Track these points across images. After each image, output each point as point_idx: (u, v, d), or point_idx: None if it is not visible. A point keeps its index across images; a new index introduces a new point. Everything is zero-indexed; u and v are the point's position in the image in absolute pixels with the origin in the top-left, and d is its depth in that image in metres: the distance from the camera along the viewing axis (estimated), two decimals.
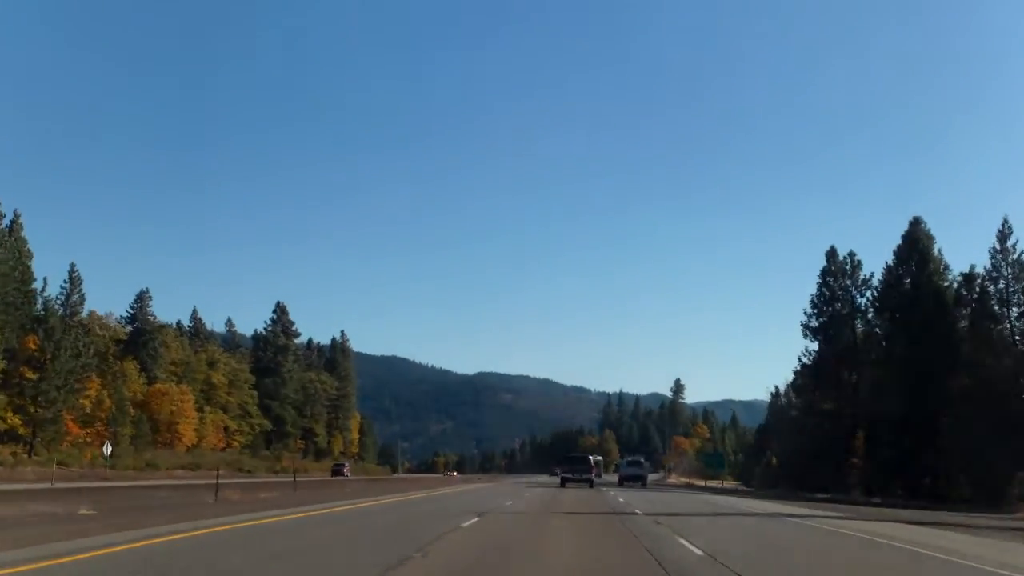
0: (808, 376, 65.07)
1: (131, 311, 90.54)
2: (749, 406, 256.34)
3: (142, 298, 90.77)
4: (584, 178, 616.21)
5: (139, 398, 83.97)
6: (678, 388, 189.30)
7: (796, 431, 71.11)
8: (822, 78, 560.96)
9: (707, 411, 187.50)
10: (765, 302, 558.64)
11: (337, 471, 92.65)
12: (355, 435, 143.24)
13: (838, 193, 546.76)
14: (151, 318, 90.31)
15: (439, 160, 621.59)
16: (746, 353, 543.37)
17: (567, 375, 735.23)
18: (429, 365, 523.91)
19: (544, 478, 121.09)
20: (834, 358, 62.02)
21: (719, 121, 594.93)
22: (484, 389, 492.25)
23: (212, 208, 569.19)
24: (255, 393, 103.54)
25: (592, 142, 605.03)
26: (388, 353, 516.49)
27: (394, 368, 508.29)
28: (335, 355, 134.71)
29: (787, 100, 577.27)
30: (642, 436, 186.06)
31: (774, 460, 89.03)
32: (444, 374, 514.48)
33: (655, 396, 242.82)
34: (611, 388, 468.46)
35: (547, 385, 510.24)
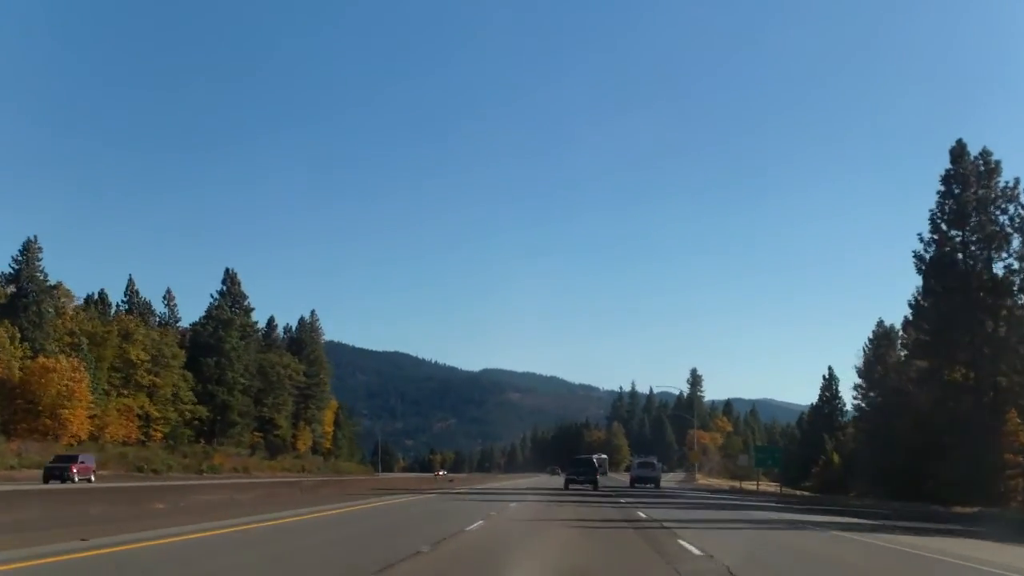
0: (922, 331, 42.90)
1: (14, 268, 69.25)
2: (756, 404, 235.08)
3: (29, 250, 69.37)
4: (591, 173, 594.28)
5: (16, 375, 63.03)
6: (695, 380, 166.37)
7: (889, 415, 49.25)
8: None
9: (728, 403, 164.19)
10: (770, 300, 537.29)
11: (55, 472, 44.06)
12: (329, 428, 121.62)
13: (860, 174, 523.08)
14: (39, 276, 68.97)
15: (443, 155, 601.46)
16: (753, 351, 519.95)
17: (575, 372, 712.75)
18: (434, 362, 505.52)
19: (542, 478, 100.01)
20: (966, 304, 39.91)
21: (721, 112, 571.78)
22: (490, 386, 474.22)
23: (213, 207, 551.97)
24: (188, 374, 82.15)
25: (597, 137, 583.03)
26: (392, 349, 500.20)
27: (399, 364, 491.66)
28: (302, 336, 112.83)
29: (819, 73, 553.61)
30: (655, 431, 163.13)
31: (836, 458, 67.13)
32: (450, 371, 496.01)
33: (665, 394, 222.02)
34: (619, 386, 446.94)
35: (554, 382, 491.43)
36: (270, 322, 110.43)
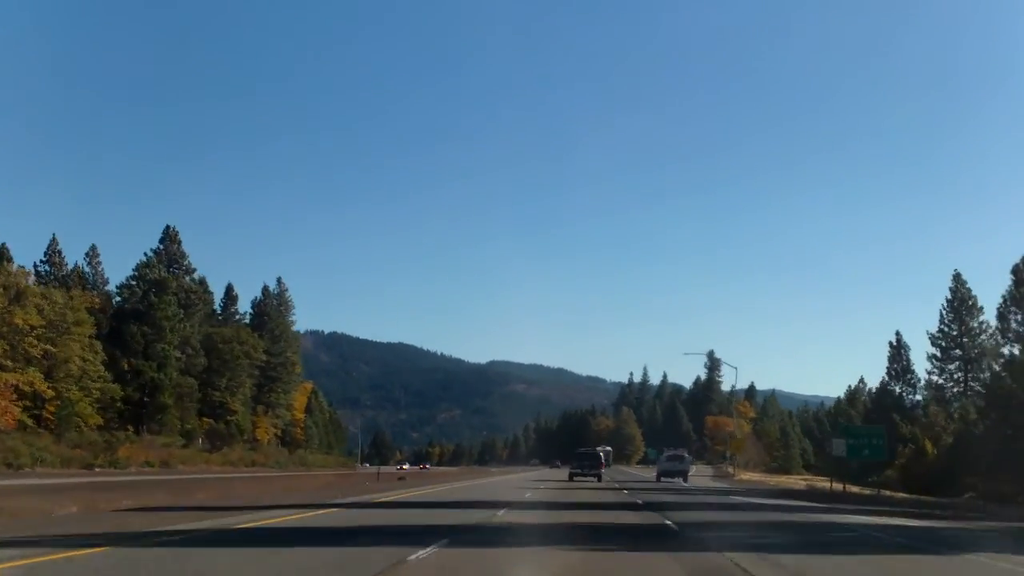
0: None
1: None
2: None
3: None
4: (597, 168, 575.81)
5: None
6: (713, 364, 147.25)
7: None
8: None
9: (752, 387, 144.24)
10: (775, 293, 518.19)
11: None
12: (299, 415, 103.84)
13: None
14: None
15: (448, 151, 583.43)
16: (757, 343, 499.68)
17: (581, 364, 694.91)
18: (439, 353, 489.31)
19: (543, 472, 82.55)
20: None
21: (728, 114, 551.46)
22: (496, 378, 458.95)
23: (217, 204, 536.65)
24: (97, 344, 64.43)
25: (603, 134, 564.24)
26: (397, 341, 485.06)
27: (403, 356, 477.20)
28: (266, 308, 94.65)
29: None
30: (668, 419, 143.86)
31: (931, 450, 48.49)
32: (455, 362, 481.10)
33: (674, 385, 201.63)
34: (629, 372, 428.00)
35: (561, 374, 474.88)
36: (228, 292, 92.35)
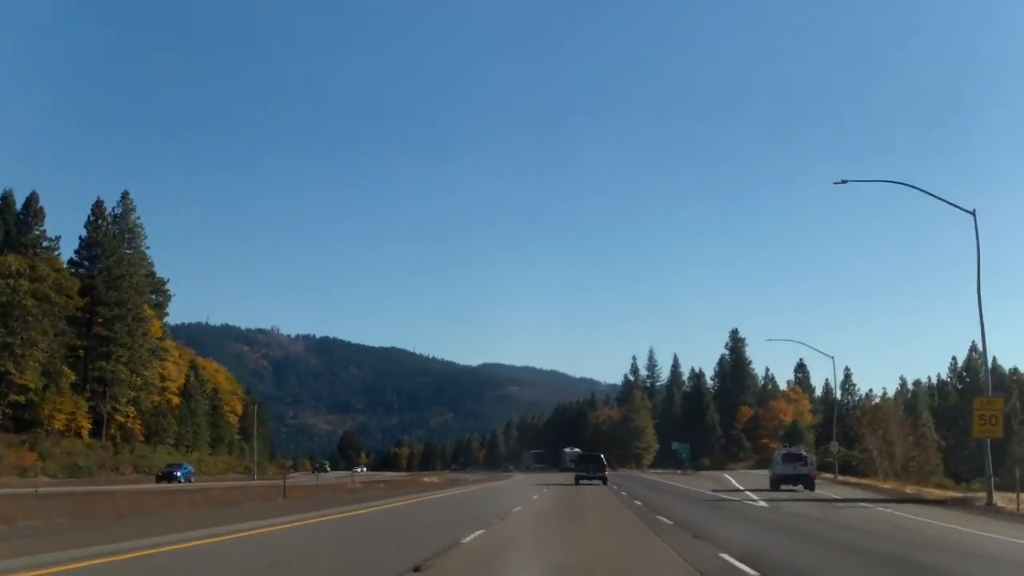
0: None
1: None
2: None
3: None
4: (593, 171, 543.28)
5: None
6: (736, 343, 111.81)
7: None
8: None
9: (802, 365, 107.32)
10: (782, 288, 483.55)
11: None
12: (173, 399, 68.31)
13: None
14: None
15: (439, 150, 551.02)
16: (760, 340, 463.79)
17: (575, 366, 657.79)
18: (431, 356, 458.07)
19: (515, 481, 49.45)
20: None
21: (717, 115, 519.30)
22: (488, 380, 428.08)
23: (214, 208, 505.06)
24: None
25: (593, 134, 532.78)
26: (388, 344, 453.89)
27: (395, 359, 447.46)
28: (99, 238, 59.26)
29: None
30: (688, 410, 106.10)
31: None
32: (447, 365, 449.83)
33: (693, 373, 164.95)
34: (632, 356, 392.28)
35: (554, 376, 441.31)
36: (29, 205, 56.71)
